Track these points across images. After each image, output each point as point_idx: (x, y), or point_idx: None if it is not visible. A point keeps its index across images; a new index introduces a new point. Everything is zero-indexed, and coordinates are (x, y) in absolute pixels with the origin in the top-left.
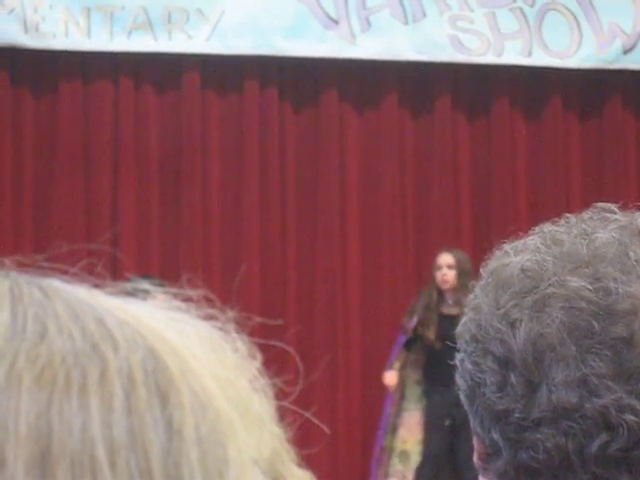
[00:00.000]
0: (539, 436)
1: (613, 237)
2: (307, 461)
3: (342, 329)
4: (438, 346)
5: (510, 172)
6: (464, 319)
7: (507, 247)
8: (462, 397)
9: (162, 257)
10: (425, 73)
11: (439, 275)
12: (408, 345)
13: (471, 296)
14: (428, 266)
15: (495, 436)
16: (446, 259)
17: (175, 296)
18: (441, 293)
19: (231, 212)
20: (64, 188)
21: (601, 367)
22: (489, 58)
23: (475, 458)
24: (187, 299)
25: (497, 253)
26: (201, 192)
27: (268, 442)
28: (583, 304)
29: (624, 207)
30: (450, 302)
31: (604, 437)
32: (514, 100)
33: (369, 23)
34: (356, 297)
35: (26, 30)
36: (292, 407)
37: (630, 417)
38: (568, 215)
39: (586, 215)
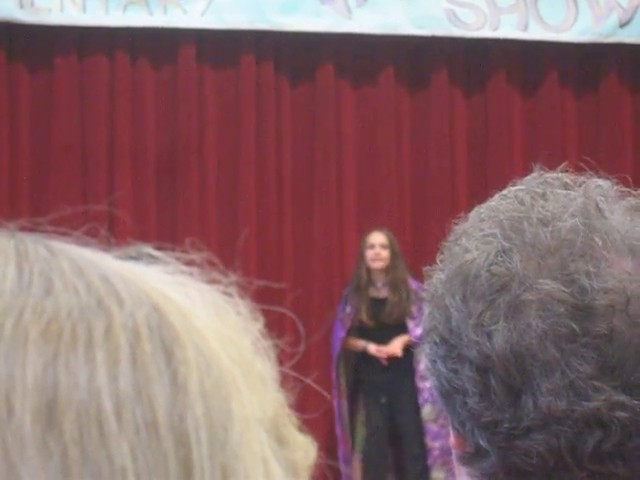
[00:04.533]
0: (531, 443)
1: (576, 223)
2: (306, 426)
3: (339, 296)
4: (370, 326)
5: (506, 146)
6: (427, 310)
7: (461, 235)
8: (436, 394)
9: (159, 228)
10: (421, 47)
11: (371, 253)
12: (350, 333)
13: (431, 287)
14: (424, 239)
15: (483, 443)
16: (379, 238)
17: (178, 260)
18: (369, 274)
19: (227, 186)
20: (61, 162)
21: (586, 369)
22: (485, 32)
23: (452, 445)
24: (189, 262)
25: (451, 240)
26: (198, 165)
27: (271, 402)
28: (561, 309)
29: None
30: (379, 285)
31: (597, 435)
32: (510, 74)
33: None
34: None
35: (21, 5)
36: (291, 373)
37: (621, 414)
38: (510, 188)
39: (535, 190)
